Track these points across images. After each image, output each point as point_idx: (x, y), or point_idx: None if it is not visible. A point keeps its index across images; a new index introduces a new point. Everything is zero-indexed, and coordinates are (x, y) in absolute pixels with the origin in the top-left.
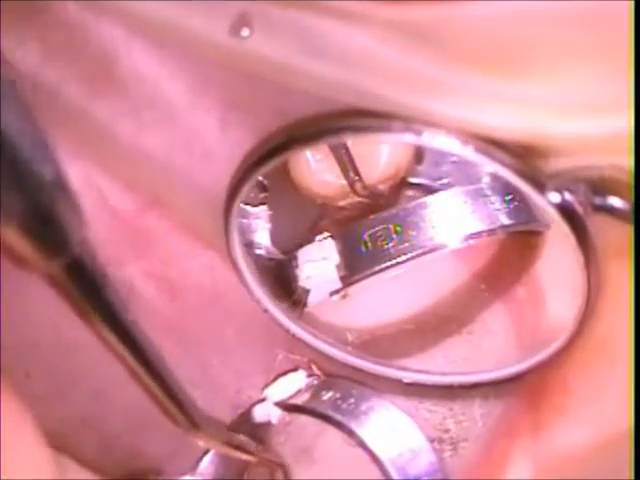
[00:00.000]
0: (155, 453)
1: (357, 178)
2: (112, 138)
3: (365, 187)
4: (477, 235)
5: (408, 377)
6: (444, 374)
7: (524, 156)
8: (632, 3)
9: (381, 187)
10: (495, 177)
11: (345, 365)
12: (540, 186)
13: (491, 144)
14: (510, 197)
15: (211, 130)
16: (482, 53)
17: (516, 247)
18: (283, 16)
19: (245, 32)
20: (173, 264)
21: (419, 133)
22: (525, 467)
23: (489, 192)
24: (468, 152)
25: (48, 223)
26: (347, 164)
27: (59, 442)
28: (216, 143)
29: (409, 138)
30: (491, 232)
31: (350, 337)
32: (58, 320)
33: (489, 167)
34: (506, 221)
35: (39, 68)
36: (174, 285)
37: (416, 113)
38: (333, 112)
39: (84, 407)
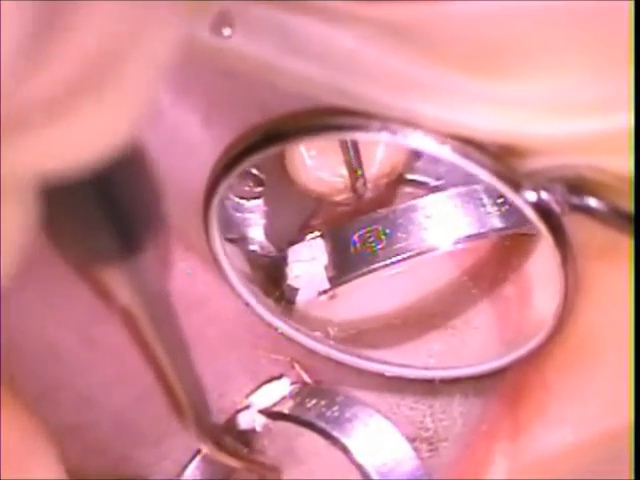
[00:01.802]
0: (141, 459)
1: (361, 174)
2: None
3: (365, 184)
4: (468, 238)
5: (390, 371)
6: (426, 368)
7: (501, 155)
8: (631, 4)
9: (377, 185)
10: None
11: (328, 361)
12: (516, 185)
13: (468, 144)
14: (502, 200)
15: (194, 127)
16: (463, 53)
17: (507, 247)
18: (264, 15)
19: (227, 31)
20: None
21: (394, 132)
22: (505, 467)
23: (482, 194)
24: (445, 152)
25: (138, 267)
26: (352, 159)
27: None
28: (199, 140)
29: (385, 137)
30: (482, 235)
31: (332, 332)
32: (45, 325)
33: (466, 167)
34: (498, 224)
35: None
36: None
37: (396, 112)
38: (311, 110)
39: (70, 413)
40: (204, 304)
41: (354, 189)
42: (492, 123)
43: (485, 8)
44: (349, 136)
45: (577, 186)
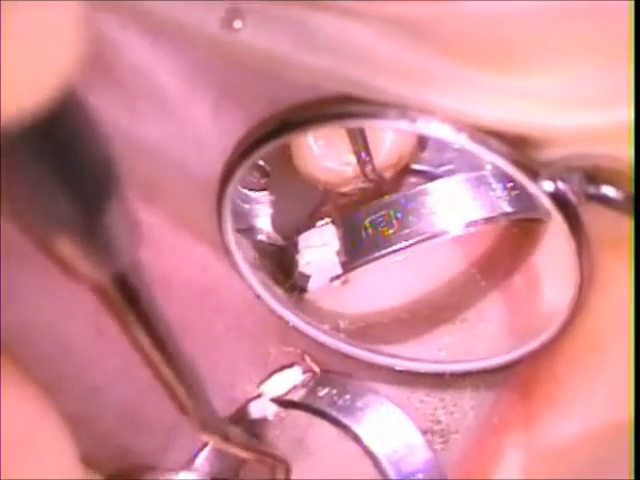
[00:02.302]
0: (149, 449)
1: (368, 160)
2: (107, 128)
3: (374, 170)
4: (478, 222)
5: (400, 364)
6: (436, 362)
7: (518, 145)
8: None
9: (385, 174)
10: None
11: (338, 353)
12: (534, 174)
13: (485, 133)
14: (512, 185)
15: (204, 119)
16: (479, 48)
17: (515, 237)
18: (276, 8)
19: (238, 24)
20: (164, 258)
21: (414, 120)
22: (516, 459)
23: (491, 180)
24: (462, 140)
25: (102, 234)
26: (360, 145)
27: None
28: (209, 132)
29: (403, 125)
30: (492, 219)
31: (342, 324)
32: (51, 317)
33: (483, 155)
34: (507, 209)
35: None
36: (165, 279)
37: (411, 104)
38: (327, 98)
39: (77, 404)
40: (214, 294)
41: (365, 175)
42: (507, 114)
43: (498, 5)
44: (367, 124)
45: (594, 175)
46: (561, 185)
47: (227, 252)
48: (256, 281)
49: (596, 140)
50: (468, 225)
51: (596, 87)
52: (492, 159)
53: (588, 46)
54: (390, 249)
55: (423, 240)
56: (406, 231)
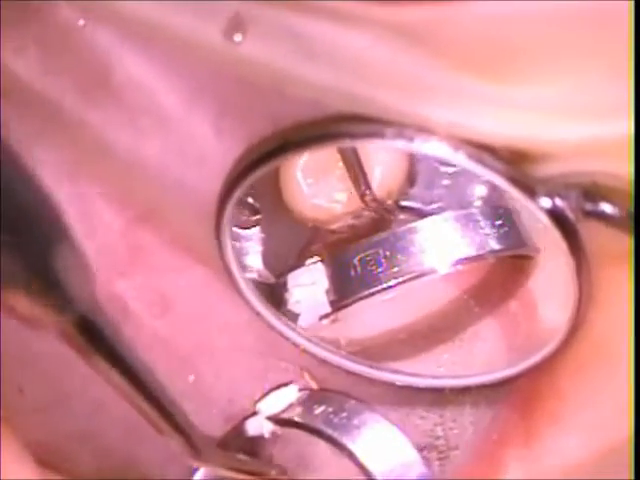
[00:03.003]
0: (151, 464)
1: (368, 190)
2: (108, 147)
3: (375, 199)
4: (466, 260)
5: (400, 380)
6: (436, 377)
7: (515, 162)
8: (631, 4)
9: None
10: (486, 201)
11: (338, 370)
12: (531, 191)
13: (483, 150)
14: (500, 222)
15: (205, 136)
16: (475, 55)
17: (507, 268)
18: (276, 20)
19: (238, 37)
20: (164, 278)
21: (411, 139)
22: (516, 476)
23: (479, 217)
24: (460, 158)
25: (55, 283)
26: (358, 174)
27: (54, 455)
28: (210, 149)
29: (401, 144)
30: (480, 257)
31: (343, 342)
32: (53, 336)
33: (480, 173)
34: (496, 246)
35: (39, 79)
36: (165, 299)
37: (408, 117)
38: (325, 118)
39: (80, 420)
40: (214, 313)
41: (365, 205)
42: (505, 127)
43: (498, 11)
44: (364, 143)
45: (591, 192)
46: (559, 202)
47: (227, 270)
48: (255, 299)
49: (595, 154)
50: (456, 263)
51: (596, 97)
52: (489, 177)
53: (588, 55)
54: (379, 287)
55: (412, 279)
56: (395, 269)
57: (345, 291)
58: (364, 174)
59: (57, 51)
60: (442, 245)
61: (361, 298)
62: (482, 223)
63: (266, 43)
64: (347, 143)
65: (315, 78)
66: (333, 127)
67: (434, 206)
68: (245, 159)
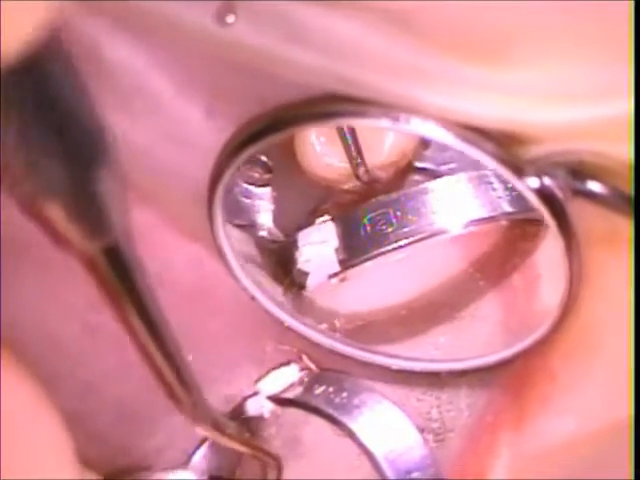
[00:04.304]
0: (144, 448)
1: (360, 162)
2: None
3: (367, 172)
4: (478, 221)
5: (396, 364)
6: (432, 361)
7: (503, 142)
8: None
9: (384, 173)
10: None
11: (334, 353)
12: (519, 171)
13: (470, 130)
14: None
15: (197, 119)
16: (464, 41)
17: (515, 237)
18: (268, 3)
19: (230, 19)
20: (158, 259)
21: (396, 119)
22: (510, 457)
23: (492, 179)
24: (447, 138)
25: (94, 204)
26: (351, 147)
27: None
28: (202, 132)
29: (385, 123)
30: (492, 219)
31: (339, 324)
32: (45, 314)
33: (468, 153)
34: (508, 208)
35: None
36: (161, 279)
37: (399, 101)
38: (312, 98)
39: (72, 403)
40: (210, 293)
41: (357, 176)
42: (494, 111)
43: None
44: (349, 122)
45: (580, 171)
46: (547, 181)
47: (220, 253)
48: (250, 282)
49: (582, 136)
50: (468, 224)
51: (584, 81)
52: (477, 157)
53: (576, 39)
54: (389, 247)
55: (422, 239)
56: (405, 229)
57: (355, 250)
58: (359, 150)
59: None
60: (454, 206)
61: (371, 257)
62: (495, 185)
63: (257, 26)
64: (334, 122)
65: (306, 61)
66: (319, 107)
67: (448, 167)
68: (234, 140)
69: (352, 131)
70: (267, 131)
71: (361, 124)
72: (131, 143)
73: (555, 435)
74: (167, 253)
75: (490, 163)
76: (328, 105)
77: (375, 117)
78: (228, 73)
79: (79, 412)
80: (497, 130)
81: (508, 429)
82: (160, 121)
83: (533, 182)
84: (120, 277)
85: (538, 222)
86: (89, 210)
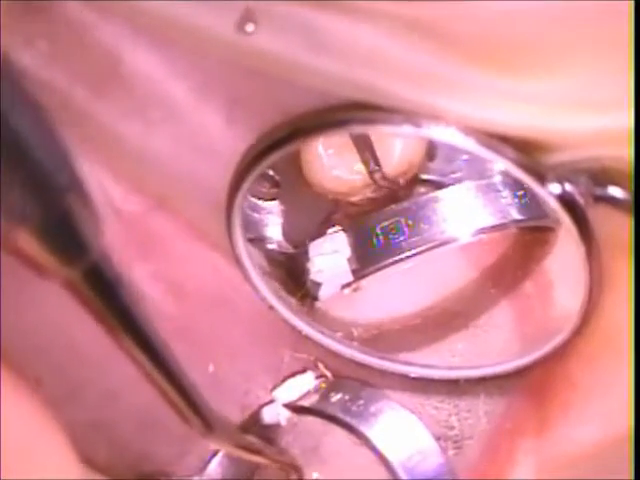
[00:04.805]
0: (165, 455)
1: (377, 168)
2: (119, 138)
3: (385, 177)
4: (488, 229)
5: (414, 372)
6: (450, 368)
7: (525, 148)
8: (632, 2)
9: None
10: (506, 174)
11: (351, 362)
12: (541, 177)
13: (492, 136)
14: (522, 192)
15: (217, 127)
16: (486, 50)
17: (526, 244)
18: (288, 11)
19: (250, 27)
20: (178, 266)
21: (418, 125)
22: (530, 466)
23: (501, 187)
24: (469, 144)
25: (66, 228)
26: (368, 153)
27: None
28: (222, 140)
29: (408, 130)
30: (502, 226)
31: (356, 332)
32: (69, 324)
33: (490, 159)
34: (517, 216)
35: (47, 69)
36: (180, 287)
37: (420, 108)
38: (333, 106)
39: (94, 411)
40: (228, 302)
41: (375, 183)
42: (517, 118)
43: (509, 7)
44: (371, 130)
45: (601, 177)
46: (568, 187)
47: (238, 262)
48: (268, 291)
49: (604, 142)
50: (479, 232)
51: (606, 88)
52: (499, 163)
53: (595, 49)
54: (401, 256)
55: (434, 247)
56: (417, 238)
57: (367, 259)
58: (373, 151)
59: (66, 43)
60: (464, 214)
61: (383, 266)
62: (504, 193)
63: (278, 35)
64: (355, 129)
65: (326, 69)
66: (339, 114)
67: (454, 177)
68: (254, 149)
69: (367, 139)
70: (289, 139)
71: (383, 131)
72: (149, 150)
73: (576, 442)
74: (187, 262)
75: (512, 169)
76: (350, 113)
77: (397, 124)
78: (248, 81)
79: (101, 420)
80: (519, 137)
81: (528, 436)
82: (180, 129)
83: (555, 188)
84: (105, 298)
85: (548, 229)
86: (62, 236)
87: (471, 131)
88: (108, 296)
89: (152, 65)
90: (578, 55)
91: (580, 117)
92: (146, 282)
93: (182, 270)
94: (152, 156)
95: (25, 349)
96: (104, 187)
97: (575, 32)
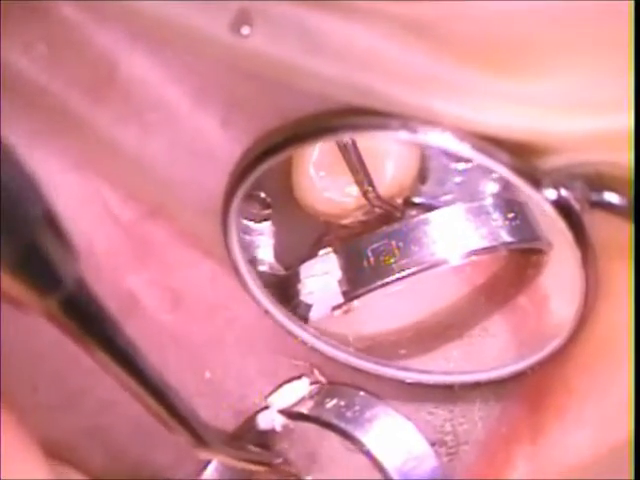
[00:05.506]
0: (161, 461)
1: (370, 189)
2: (115, 144)
3: (378, 198)
4: (479, 252)
5: (410, 377)
6: (445, 373)
7: (521, 153)
8: (632, 3)
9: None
10: (497, 197)
11: (347, 367)
12: (536, 183)
13: (488, 142)
14: (512, 215)
15: (213, 131)
16: (483, 51)
17: (517, 266)
18: (283, 14)
19: (245, 30)
20: (174, 273)
21: (414, 130)
22: (526, 471)
23: (491, 209)
24: (464, 149)
25: (38, 261)
26: (361, 174)
27: (66, 453)
28: (218, 143)
29: (404, 135)
30: (493, 249)
31: (351, 339)
32: (60, 334)
33: (485, 164)
34: (508, 238)
35: (44, 74)
36: (175, 294)
37: (416, 111)
38: (330, 110)
39: (91, 418)
40: (224, 308)
41: (370, 203)
42: (513, 121)
43: (502, 6)
44: (367, 136)
45: (597, 182)
46: (564, 192)
47: (234, 269)
48: (264, 297)
49: (600, 146)
50: (469, 254)
51: (600, 92)
52: (495, 168)
53: (594, 49)
54: (392, 278)
55: (424, 269)
56: (407, 260)
57: (358, 281)
58: (366, 172)
59: (63, 48)
60: (455, 236)
61: (374, 288)
62: (494, 215)
63: (273, 37)
64: (352, 135)
65: (323, 72)
66: (337, 119)
67: (445, 199)
68: (250, 153)
69: (361, 160)
70: (285, 144)
71: (379, 137)
72: (146, 155)
73: (572, 448)
74: (183, 268)
75: (507, 174)
76: (347, 118)
77: (394, 129)
78: (244, 84)
79: (97, 426)
80: (514, 141)
81: (524, 442)
82: (176, 133)
83: (550, 193)
84: (84, 326)
85: (539, 251)
86: (35, 269)
87: (466, 136)
88: (87, 323)
89: (148, 69)
90: (576, 56)
91: (578, 119)
92: (141, 289)
93: (178, 277)
94: (148, 160)
95: (22, 357)
96: (101, 194)
97: (573, 32)
